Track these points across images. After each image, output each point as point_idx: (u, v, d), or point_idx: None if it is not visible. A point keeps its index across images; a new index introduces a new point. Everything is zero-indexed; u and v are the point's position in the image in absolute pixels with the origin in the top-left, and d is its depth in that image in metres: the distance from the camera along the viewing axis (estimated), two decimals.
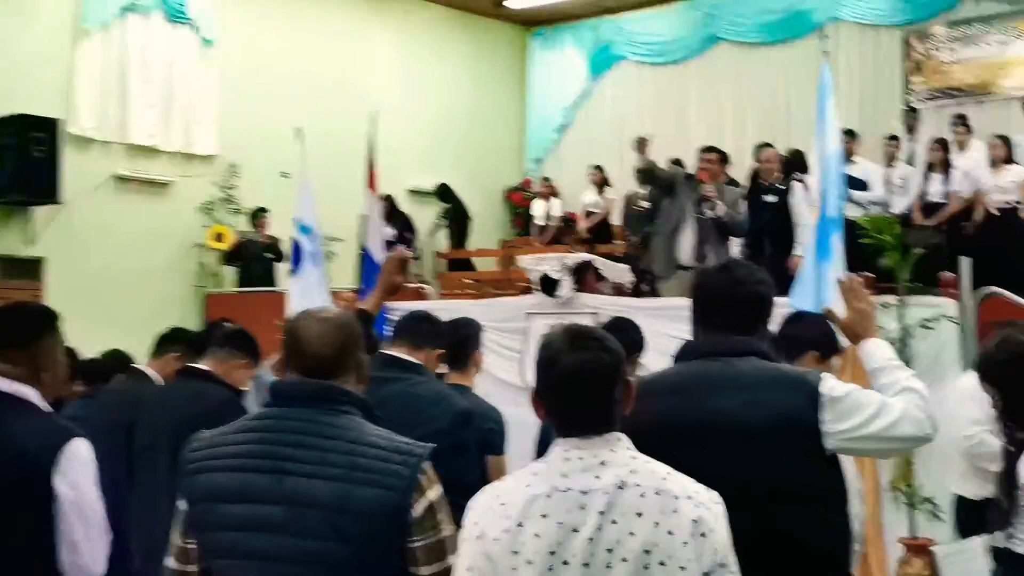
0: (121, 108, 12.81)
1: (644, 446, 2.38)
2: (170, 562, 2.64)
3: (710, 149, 8.85)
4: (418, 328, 3.91)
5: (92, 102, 12.56)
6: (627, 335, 4.62)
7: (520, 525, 2.23)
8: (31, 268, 12.07)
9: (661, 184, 8.75)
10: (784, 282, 7.95)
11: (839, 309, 3.13)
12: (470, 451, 3.50)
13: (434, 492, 2.48)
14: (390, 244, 11.08)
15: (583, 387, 2.31)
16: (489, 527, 2.26)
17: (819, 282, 6.65)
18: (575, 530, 2.21)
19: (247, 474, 2.49)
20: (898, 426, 2.65)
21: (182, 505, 2.60)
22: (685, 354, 2.86)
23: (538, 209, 14.64)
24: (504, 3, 15.98)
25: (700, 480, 2.33)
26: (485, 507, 2.31)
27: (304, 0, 14.42)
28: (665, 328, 7.31)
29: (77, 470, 3.04)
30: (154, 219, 12.89)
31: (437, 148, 15.71)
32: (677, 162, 12.00)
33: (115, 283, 12.12)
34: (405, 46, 15.61)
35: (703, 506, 2.26)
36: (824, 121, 7.37)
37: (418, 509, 2.43)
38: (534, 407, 2.40)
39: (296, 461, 2.46)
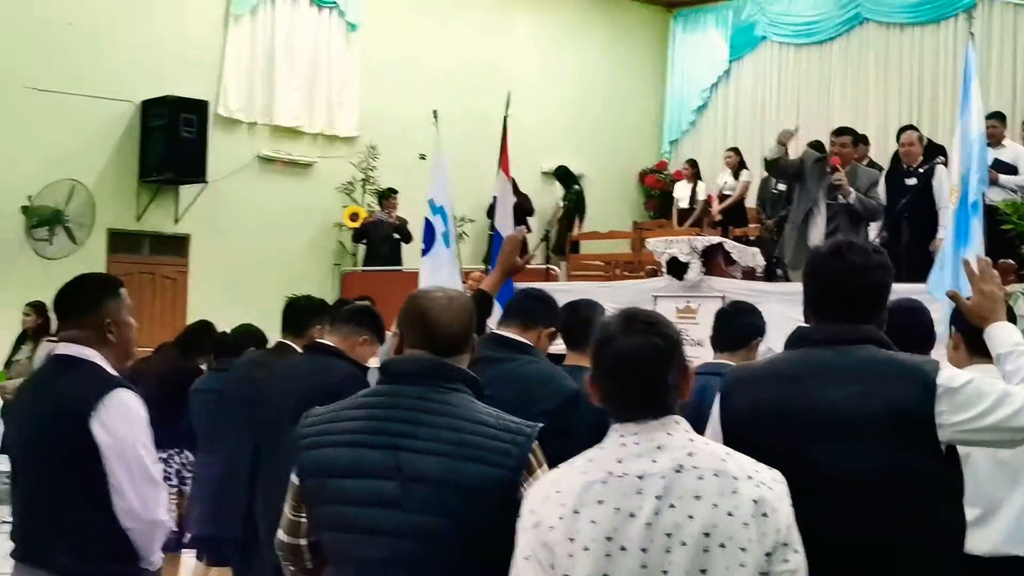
0: (267, 91, 13.20)
1: (747, 433, 2.33)
2: (281, 535, 2.70)
3: (841, 131, 8.57)
4: (529, 307, 3.81)
5: (239, 85, 12.97)
6: (744, 319, 4.57)
7: (576, 512, 2.20)
8: (177, 245, 12.57)
9: (787, 173, 8.56)
10: (924, 268, 7.76)
11: (965, 291, 3.02)
12: (578, 433, 3.42)
13: (543, 472, 2.46)
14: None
15: (635, 371, 2.27)
16: (545, 515, 2.23)
17: (957, 268, 6.45)
18: (632, 515, 2.17)
19: (360, 449, 2.52)
20: (1020, 416, 2.52)
21: (294, 479, 2.65)
22: (796, 341, 2.74)
23: (681, 191, 14.45)
24: None
25: (807, 474, 2.28)
26: (541, 495, 2.28)
27: None
28: (795, 314, 7.19)
29: (115, 417, 3.16)
30: (296, 199, 13.25)
31: (573, 130, 15.72)
32: (816, 144, 11.73)
33: (256, 261, 12.50)
34: (544, 29, 15.64)
35: (764, 485, 2.20)
36: (968, 103, 7.14)
37: (526, 488, 2.40)
38: (590, 391, 2.38)
39: (408, 437, 2.49)
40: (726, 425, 2.65)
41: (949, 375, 2.58)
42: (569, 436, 3.23)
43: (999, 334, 2.82)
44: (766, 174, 12.20)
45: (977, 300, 2.89)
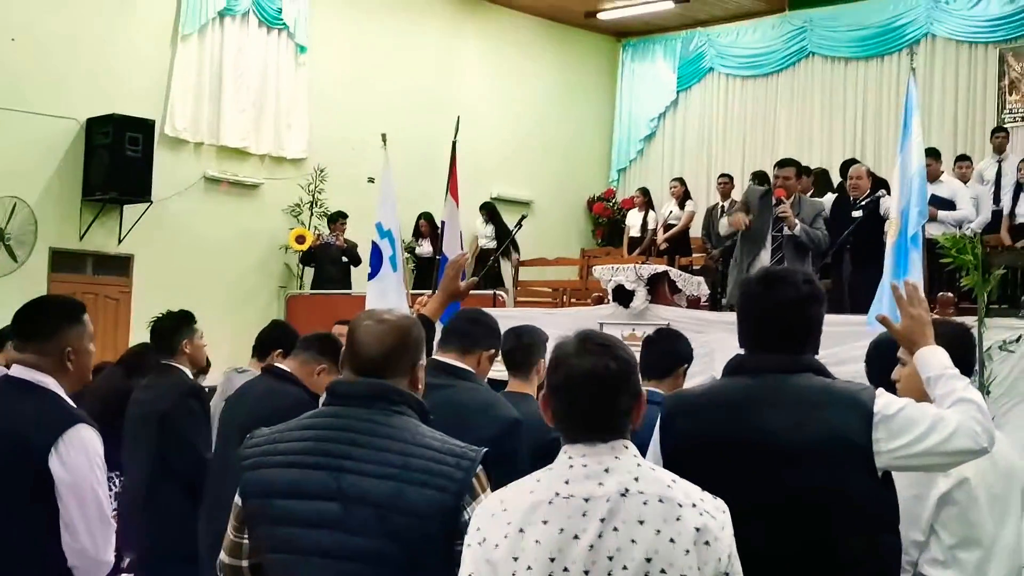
0: (214, 111, 13.10)
1: (685, 461, 2.35)
2: (223, 556, 2.69)
3: (785, 163, 8.67)
4: (467, 330, 3.76)
5: (186, 104, 12.86)
6: (669, 346, 4.59)
7: (521, 531, 2.21)
8: (120, 264, 12.41)
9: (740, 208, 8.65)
10: (865, 299, 7.88)
11: (894, 316, 3.04)
12: (519, 461, 3.42)
13: (487, 497, 2.46)
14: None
15: (587, 392, 2.28)
16: (491, 532, 2.25)
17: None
18: (576, 537, 2.18)
19: (304, 470, 2.52)
20: (953, 440, 2.56)
21: (237, 500, 2.64)
22: (733, 369, 2.79)
23: (632, 219, 14.53)
24: (596, 15, 15.99)
25: (747, 501, 2.30)
26: (488, 513, 2.29)
27: (395, 8, 14.59)
28: (738, 344, 7.27)
29: (75, 455, 3.13)
30: (242, 220, 13.16)
31: (522, 156, 15.79)
32: (759, 175, 11.90)
33: (200, 281, 12.36)
34: (495, 55, 15.72)
35: (707, 514, 2.22)
36: (908, 138, 7.26)
37: (469, 513, 2.41)
38: (542, 411, 2.39)
39: (352, 459, 2.49)
40: (667, 452, 2.67)
41: (885, 402, 2.62)
42: (510, 463, 3.22)
43: (929, 357, 2.83)
44: (711, 205, 12.37)
45: (907, 324, 2.91)
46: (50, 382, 3.24)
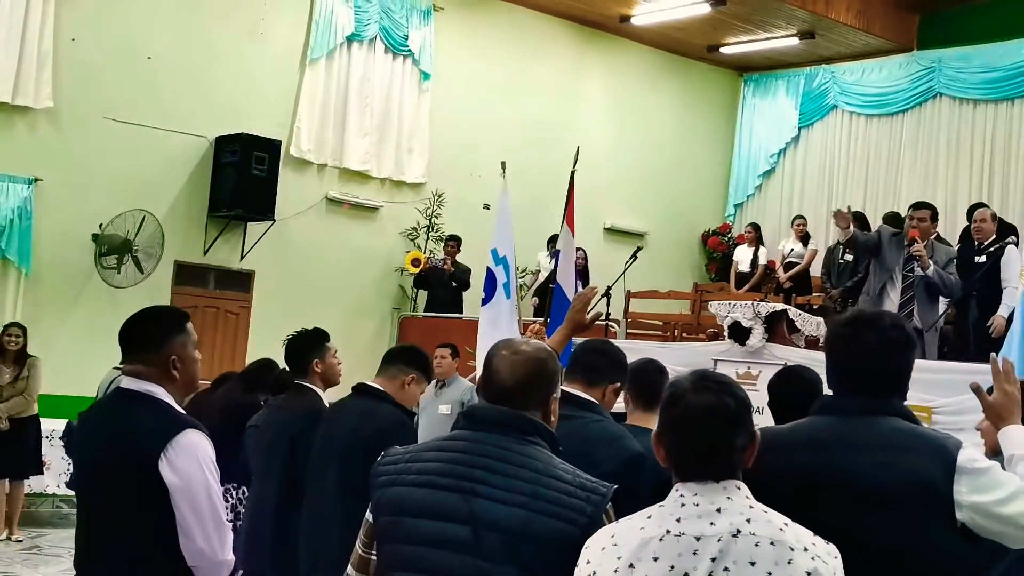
0: (338, 133, 13.38)
1: (771, 498, 2.33)
2: (350, 570, 2.73)
3: (920, 205, 8.53)
4: (593, 362, 3.69)
5: (312, 126, 13.16)
6: (795, 384, 4.45)
7: (631, 566, 2.22)
8: (241, 280, 12.71)
9: (867, 249, 8.50)
10: (990, 347, 7.65)
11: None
12: (641, 497, 3.39)
13: None
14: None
15: (704, 429, 2.29)
16: (601, 566, 2.25)
17: None
18: (686, 575, 2.19)
19: (437, 491, 2.55)
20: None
21: (368, 517, 2.68)
22: (821, 409, 2.80)
23: (741, 254, 14.42)
24: (719, 49, 15.93)
25: (833, 542, 2.28)
26: (599, 547, 2.29)
27: (519, 39, 14.74)
28: None
29: (184, 459, 3.16)
30: (360, 241, 13.40)
31: (638, 188, 15.78)
32: (892, 216, 11.68)
33: (318, 300, 12.62)
34: (616, 87, 15.76)
35: (819, 559, 2.21)
36: None
37: None
38: (655, 448, 2.39)
39: (485, 484, 2.51)
40: (755, 489, 2.65)
41: (970, 456, 2.60)
42: (633, 498, 3.20)
43: (1015, 435, 2.84)
44: (832, 244, 12.15)
45: (999, 399, 2.91)
46: (158, 391, 3.29)
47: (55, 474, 9.95)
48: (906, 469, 2.57)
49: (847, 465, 2.61)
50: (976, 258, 8.90)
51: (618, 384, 3.72)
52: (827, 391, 2.88)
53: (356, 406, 4.64)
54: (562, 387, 3.60)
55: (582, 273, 12.38)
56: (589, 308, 4.03)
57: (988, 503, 2.53)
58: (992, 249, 8.86)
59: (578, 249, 12.25)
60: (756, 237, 14.18)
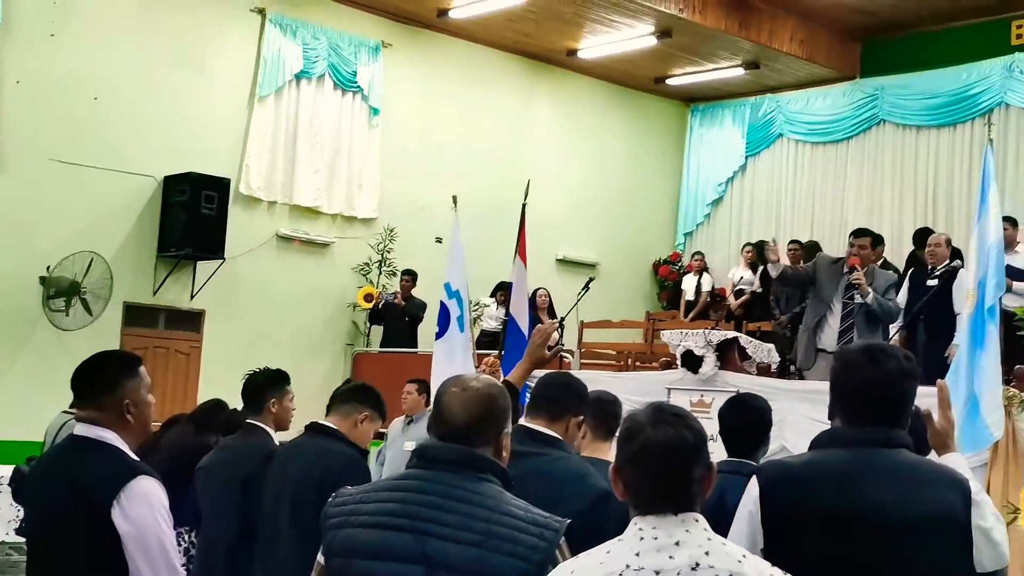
0: (288, 170, 13.35)
1: (794, 534, 2.34)
2: None
3: (861, 232, 8.64)
4: (556, 396, 3.67)
5: (261, 164, 13.12)
6: (744, 412, 4.46)
7: None
8: (191, 320, 12.61)
9: (800, 282, 8.62)
10: (938, 370, 7.73)
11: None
12: (607, 533, 3.38)
13: None
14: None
15: (663, 462, 2.28)
16: None
17: (972, 371, 6.44)
18: None
19: (389, 532, 2.53)
20: (1005, 541, 2.70)
21: (320, 559, 2.65)
22: (830, 441, 2.81)
23: (688, 283, 14.55)
24: (666, 80, 16.10)
25: (856, 573, 2.30)
26: None
27: (467, 73, 14.80)
28: (808, 412, 7.20)
29: (137, 507, 3.13)
30: (312, 278, 13.34)
31: (589, 219, 15.87)
32: (813, 244, 11.90)
33: (269, 338, 12.55)
34: (565, 119, 15.87)
35: None
36: (986, 208, 7.15)
37: None
38: (612, 482, 2.39)
39: (437, 523, 2.50)
40: (769, 526, 2.67)
41: (976, 486, 2.70)
42: (599, 535, 3.19)
43: (957, 460, 2.97)
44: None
45: (943, 425, 3.02)
46: (111, 436, 3.26)
47: (3, 521, 9.75)
48: (932, 501, 2.63)
49: (871, 498, 2.63)
50: (928, 281, 9.02)
51: (581, 417, 3.71)
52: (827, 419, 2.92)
53: (309, 445, 4.61)
54: (525, 423, 3.62)
55: (549, 311, 12.38)
56: (549, 343, 4.03)
57: (990, 527, 2.66)
58: (939, 272, 8.98)
59: (539, 288, 12.27)
60: (701, 266, 14.31)
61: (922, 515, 2.61)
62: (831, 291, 8.27)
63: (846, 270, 8.23)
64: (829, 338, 8.17)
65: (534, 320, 9.72)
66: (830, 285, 8.29)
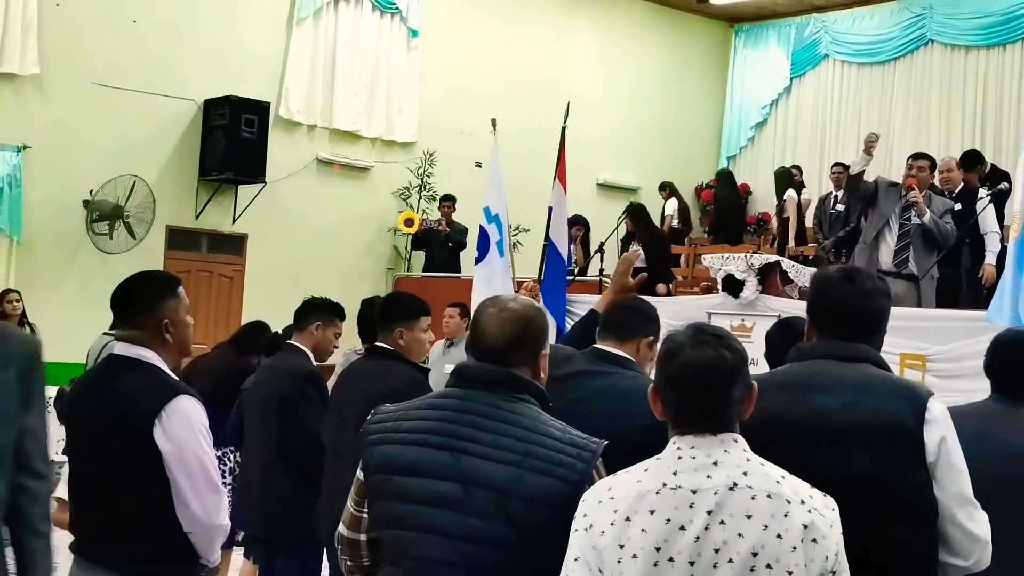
0: (327, 94, 13.30)
1: (750, 442, 2.35)
2: (342, 528, 2.74)
3: (920, 155, 8.52)
4: (622, 319, 3.66)
5: (300, 87, 13.08)
6: (792, 334, 4.45)
7: (628, 520, 2.22)
8: (234, 244, 12.69)
9: (864, 195, 8.47)
10: (982, 294, 7.65)
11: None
12: None
13: None
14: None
15: (702, 382, 2.29)
16: (598, 519, 2.26)
17: (1017, 296, 6.37)
18: (682, 528, 2.19)
19: (426, 449, 2.55)
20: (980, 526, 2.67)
21: (359, 474, 2.68)
22: (800, 355, 2.86)
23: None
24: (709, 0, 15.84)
25: (802, 478, 2.30)
26: (596, 500, 2.30)
27: None
28: None
29: (177, 426, 3.17)
30: (352, 202, 13.36)
31: (630, 143, 15.72)
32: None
33: (311, 262, 12.60)
34: (605, 41, 15.66)
35: (816, 511, 2.22)
36: None
37: None
38: (651, 403, 2.39)
39: (474, 442, 2.52)
40: None
41: (943, 411, 2.67)
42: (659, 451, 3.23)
43: None
44: (824, 193, 12.11)
45: None
46: (151, 356, 3.28)
47: (54, 440, 9.96)
48: (874, 408, 2.64)
49: (819, 405, 2.67)
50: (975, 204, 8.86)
51: (651, 338, 3.68)
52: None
53: (371, 367, 4.66)
54: (597, 345, 3.65)
55: (583, 241, 12.31)
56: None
57: (951, 449, 2.64)
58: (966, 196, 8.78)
59: (578, 219, 12.16)
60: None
61: (862, 420, 2.61)
62: (889, 209, 8.18)
63: (904, 191, 8.13)
64: (886, 256, 8.10)
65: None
66: (888, 203, 8.20)
